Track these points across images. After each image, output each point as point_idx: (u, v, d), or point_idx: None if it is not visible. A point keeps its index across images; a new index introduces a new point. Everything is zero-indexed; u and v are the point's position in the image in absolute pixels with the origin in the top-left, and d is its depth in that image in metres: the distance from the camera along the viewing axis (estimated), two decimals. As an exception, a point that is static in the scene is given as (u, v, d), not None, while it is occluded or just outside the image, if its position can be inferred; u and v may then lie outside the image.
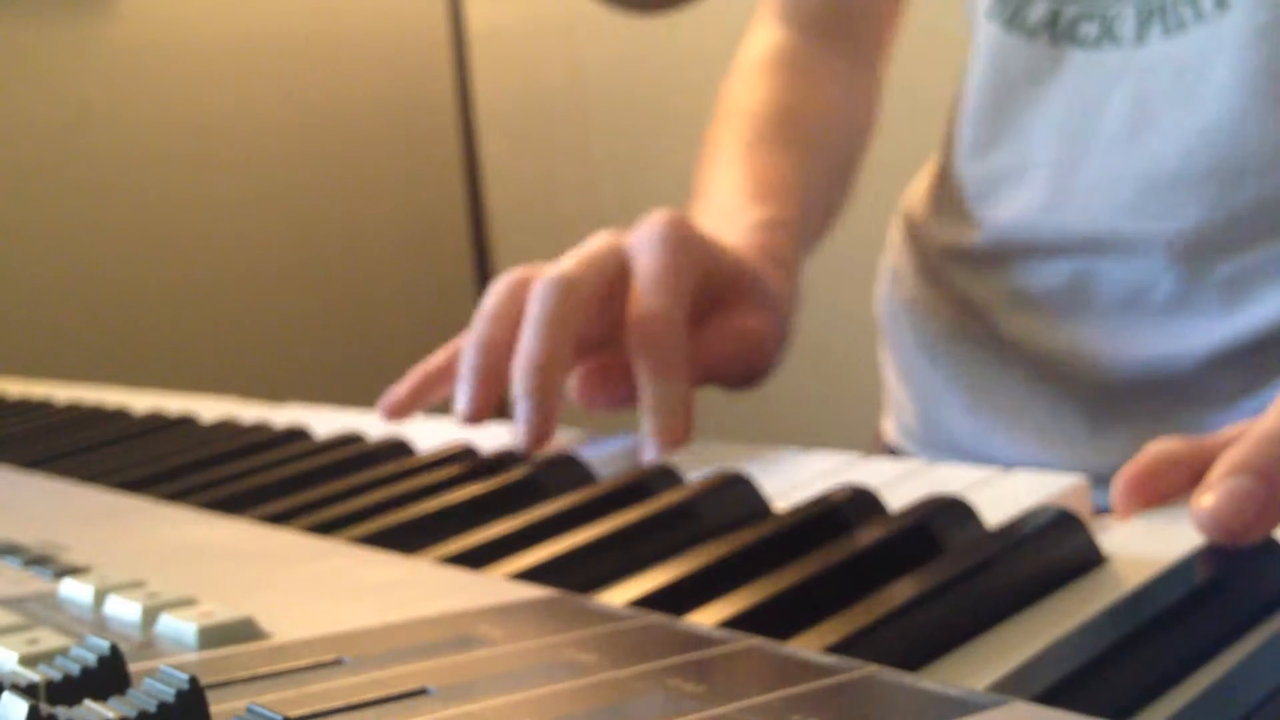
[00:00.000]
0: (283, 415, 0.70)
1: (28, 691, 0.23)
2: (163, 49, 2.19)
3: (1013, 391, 0.72)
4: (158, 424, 0.69)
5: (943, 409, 0.76)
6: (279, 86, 2.30)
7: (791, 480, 0.45)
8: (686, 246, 0.57)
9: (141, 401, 0.79)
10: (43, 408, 0.81)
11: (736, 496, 0.42)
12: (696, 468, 0.46)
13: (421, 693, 0.25)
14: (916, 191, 0.79)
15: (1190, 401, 0.67)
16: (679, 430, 0.52)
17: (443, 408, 0.66)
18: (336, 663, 0.27)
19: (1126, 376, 0.68)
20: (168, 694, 0.22)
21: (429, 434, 0.58)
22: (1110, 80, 0.67)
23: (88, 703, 0.23)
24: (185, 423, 0.69)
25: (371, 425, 0.62)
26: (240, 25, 2.25)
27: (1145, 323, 0.67)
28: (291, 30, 2.30)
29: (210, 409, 0.74)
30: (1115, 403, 0.69)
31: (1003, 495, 0.40)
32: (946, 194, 0.75)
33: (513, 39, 2.37)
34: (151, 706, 0.22)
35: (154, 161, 2.18)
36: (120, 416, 0.74)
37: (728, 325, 0.59)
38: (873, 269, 0.83)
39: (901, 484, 0.42)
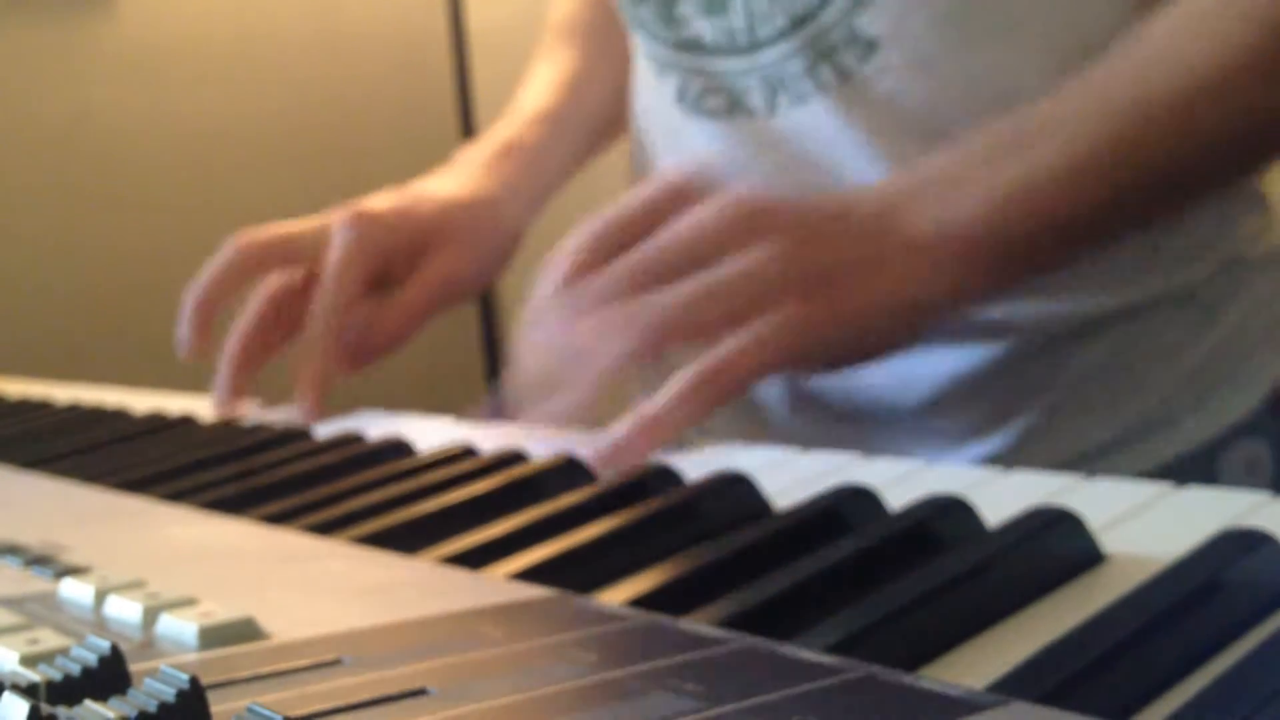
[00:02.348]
0: (282, 415, 0.70)
1: (28, 691, 0.23)
2: (163, 49, 2.19)
3: (778, 426, 0.73)
4: (158, 424, 0.69)
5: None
6: (279, 87, 2.30)
7: (791, 480, 0.45)
8: (360, 236, 0.71)
9: (141, 401, 0.79)
10: (43, 408, 0.81)
11: (736, 496, 0.42)
12: (696, 468, 0.46)
13: (421, 693, 0.25)
14: None
15: (924, 436, 0.68)
16: (311, 400, 0.68)
17: (441, 406, 0.66)
18: (336, 663, 0.27)
19: (863, 412, 0.69)
20: (168, 694, 0.22)
21: (429, 434, 0.58)
22: (752, 148, 0.68)
23: (88, 703, 0.23)
24: (185, 423, 0.69)
25: (372, 425, 0.62)
26: (240, 25, 2.25)
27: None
28: (291, 30, 2.30)
29: (210, 409, 0.74)
30: (859, 438, 0.70)
31: (1003, 495, 0.40)
32: None
33: (513, 39, 2.36)
34: (152, 706, 0.22)
35: (154, 162, 2.18)
36: (120, 416, 0.74)
37: (426, 272, 0.74)
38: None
39: (901, 484, 0.42)
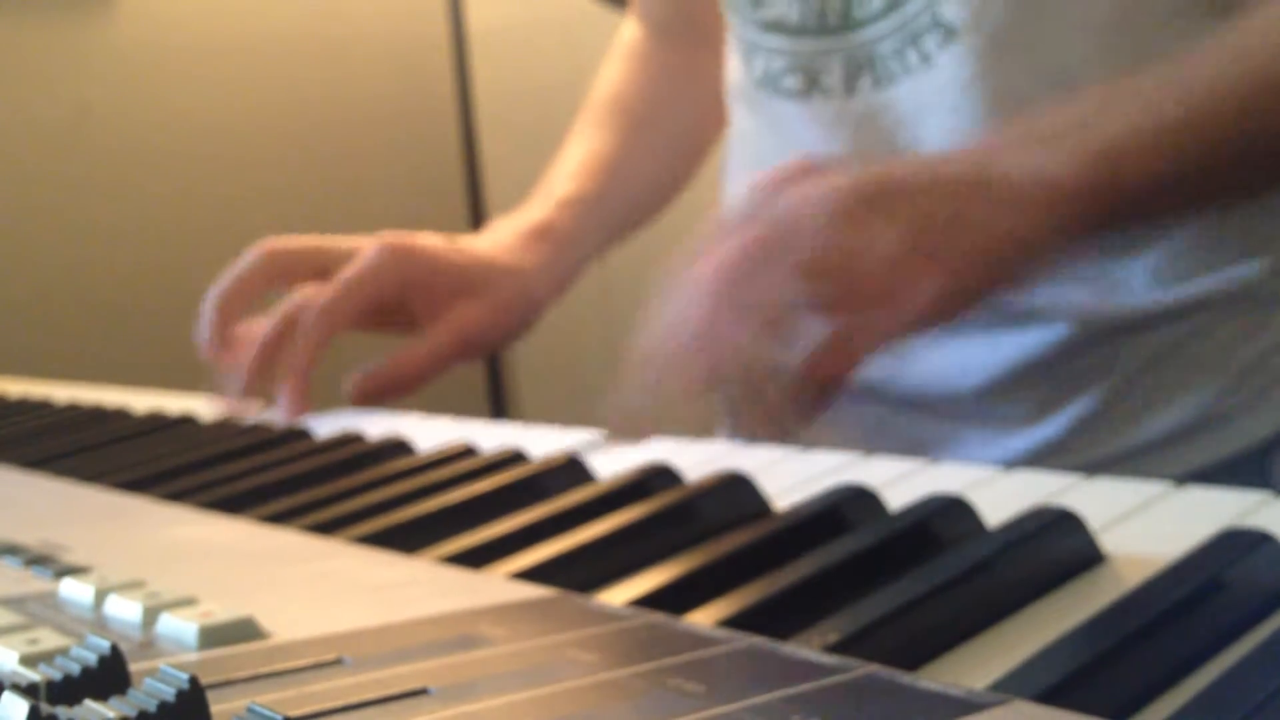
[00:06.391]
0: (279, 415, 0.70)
1: (28, 691, 0.23)
2: (163, 49, 2.19)
3: (840, 413, 0.74)
4: (158, 424, 0.69)
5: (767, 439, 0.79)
6: (279, 87, 2.30)
7: (791, 480, 0.45)
8: (385, 259, 0.73)
9: (141, 401, 0.79)
10: (43, 408, 0.81)
11: (736, 496, 0.42)
12: (696, 468, 0.46)
13: (421, 693, 0.25)
14: None
15: (979, 422, 0.69)
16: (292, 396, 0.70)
17: (441, 406, 0.66)
18: (336, 663, 0.27)
19: (921, 398, 0.71)
20: (168, 694, 0.22)
21: (429, 434, 0.58)
22: (824, 129, 0.70)
23: (88, 702, 0.23)
24: (185, 423, 0.69)
25: (371, 425, 0.62)
26: (240, 25, 2.25)
27: (926, 346, 0.69)
28: (291, 30, 2.30)
29: (210, 409, 0.74)
30: (917, 424, 0.71)
31: (1003, 495, 0.40)
32: None
33: (513, 39, 2.37)
34: (152, 706, 0.22)
35: (154, 161, 2.17)
36: (120, 416, 0.74)
37: (452, 320, 0.75)
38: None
39: (901, 484, 0.42)
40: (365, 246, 0.75)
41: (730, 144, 0.80)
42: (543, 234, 0.81)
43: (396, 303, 0.75)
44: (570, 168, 0.86)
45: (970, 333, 0.68)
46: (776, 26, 0.70)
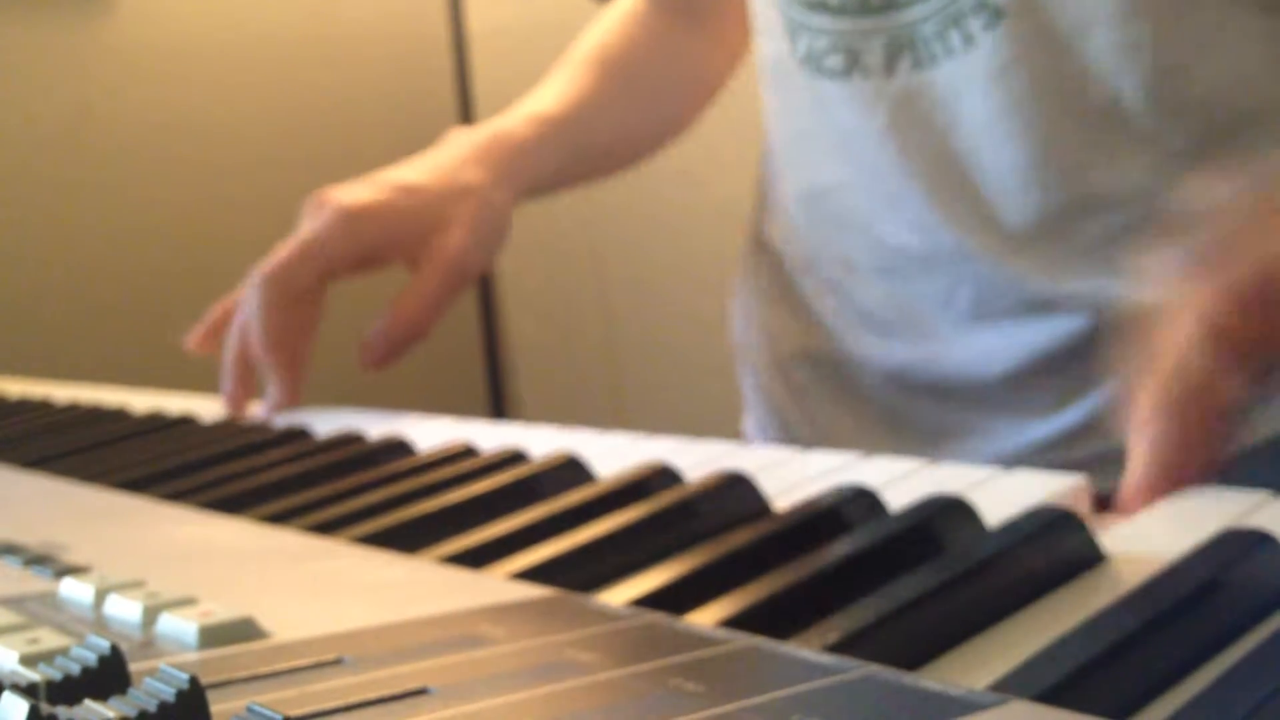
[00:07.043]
0: (282, 415, 0.70)
1: (28, 691, 0.23)
2: (163, 49, 2.19)
3: (869, 399, 0.75)
4: (158, 424, 0.69)
5: (794, 423, 0.80)
6: (279, 87, 2.30)
7: (791, 480, 0.45)
8: (338, 228, 0.74)
9: (141, 401, 0.79)
10: (43, 408, 0.81)
11: (736, 496, 0.42)
12: (696, 468, 0.46)
13: (421, 693, 0.25)
14: (767, 218, 0.83)
15: (1004, 409, 0.69)
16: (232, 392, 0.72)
17: (441, 406, 0.66)
18: (336, 662, 0.27)
19: (947, 385, 0.71)
20: (168, 693, 0.22)
21: (429, 434, 0.58)
22: (863, 109, 0.70)
23: (88, 702, 0.23)
24: (185, 423, 0.69)
25: (371, 425, 0.62)
26: (240, 26, 2.25)
27: (952, 333, 0.70)
28: (292, 30, 2.30)
29: (210, 409, 0.74)
30: (943, 410, 0.71)
31: (1003, 495, 0.40)
32: (785, 218, 0.79)
33: (513, 39, 2.37)
34: (152, 706, 0.22)
35: (154, 162, 2.17)
36: (120, 416, 0.74)
37: (434, 257, 0.75)
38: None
39: (901, 484, 0.42)
40: (313, 217, 0.75)
41: (769, 126, 0.79)
42: (496, 142, 0.80)
43: (364, 263, 0.75)
44: (542, 94, 0.85)
45: (996, 321, 0.68)
46: (820, 5, 0.70)
